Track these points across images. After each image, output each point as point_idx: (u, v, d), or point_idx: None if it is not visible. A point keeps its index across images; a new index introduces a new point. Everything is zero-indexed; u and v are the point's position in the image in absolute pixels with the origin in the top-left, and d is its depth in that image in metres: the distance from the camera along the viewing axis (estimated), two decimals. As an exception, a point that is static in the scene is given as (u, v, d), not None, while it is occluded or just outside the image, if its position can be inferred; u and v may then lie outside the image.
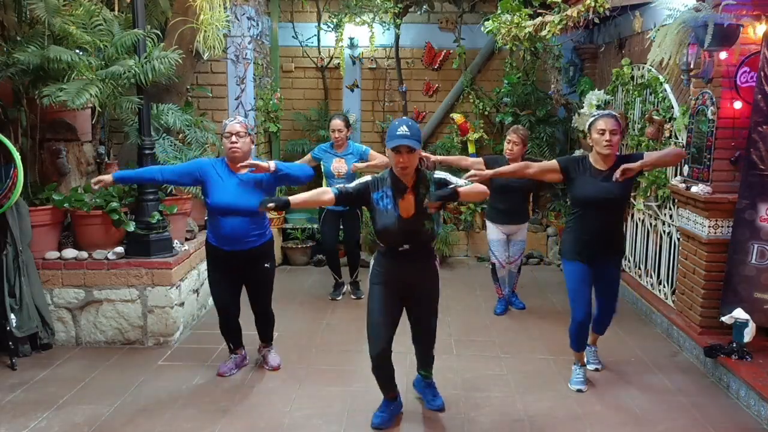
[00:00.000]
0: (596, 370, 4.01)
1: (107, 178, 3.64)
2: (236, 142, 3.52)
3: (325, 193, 3.06)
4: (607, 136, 3.44)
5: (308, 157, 5.39)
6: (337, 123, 5.22)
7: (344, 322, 4.89)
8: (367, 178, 3.12)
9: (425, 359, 3.48)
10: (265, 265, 3.75)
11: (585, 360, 3.91)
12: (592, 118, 3.58)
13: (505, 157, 4.79)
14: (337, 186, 3.16)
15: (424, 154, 3.74)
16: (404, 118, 3.02)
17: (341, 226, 5.46)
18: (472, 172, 3.60)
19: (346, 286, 5.63)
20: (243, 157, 3.54)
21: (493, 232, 5.03)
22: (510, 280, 5.28)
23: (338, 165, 5.20)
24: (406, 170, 2.95)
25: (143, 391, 3.68)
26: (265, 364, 4.01)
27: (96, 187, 3.67)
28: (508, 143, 4.75)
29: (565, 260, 3.73)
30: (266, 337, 4.04)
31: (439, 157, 4.62)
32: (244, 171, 3.57)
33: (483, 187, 3.08)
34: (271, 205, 2.92)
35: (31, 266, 4.15)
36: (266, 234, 3.73)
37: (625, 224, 5.84)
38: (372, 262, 3.24)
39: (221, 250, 3.63)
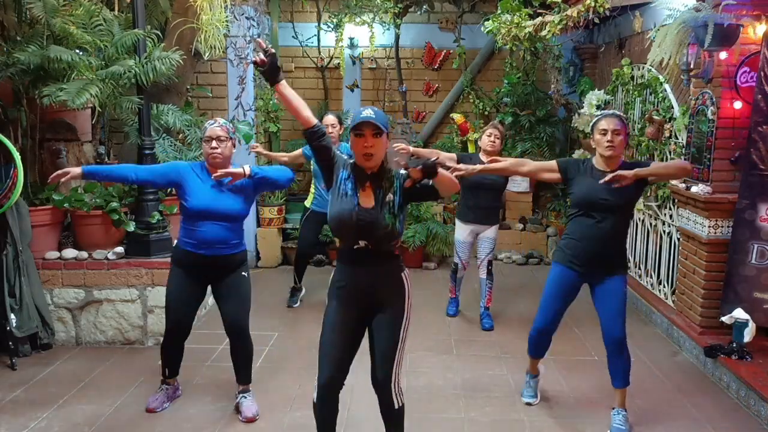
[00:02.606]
0: None
1: (75, 170, 3.25)
2: (217, 148, 3.25)
3: (307, 109, 2.64)
4: (608, 137, 3.21)
5: (299, 152, 5.11)
6: (330, 118, 5.03)
7: (344, 322, 4.89)
8: (343, 155, 2.78)
9: (388, 412, 2.72)
10: (242, 273, 3.42)
11: (539, 370, 3.69)
12: (596, 118, 3.38)
13: (478, 155, 4.69)
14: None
15: (399, 146, 3.48)
16: (370, 106, 2.69)
17: (322, 231, 5.29)
18: (459, 167, 3.28)
19: (303, 292, 5.39)
20: (223, 163, 3.29)
21: (461, 232, 4.83)
22: (482, 292, 4.86)
23: None
24: (371, 158, 2.56)
25: (143, 391, 3.68)
26: (238, 413, 3.43)
27: (63, 180, 3.20)
28: (490, 136, 4.66)
29: (553, 262, 3.48)
30: (243, 375, 3.48)
31: (411, 148, 4.30)
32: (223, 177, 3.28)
33: (455, 180, 2.65)
34: (260, 58, 2.52)
35: (31, 266, 4.15)
36: (242, 244, 3.44)
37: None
38: (331, 277, 2.82)
39: (195, 254, 3.32)
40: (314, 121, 2.63)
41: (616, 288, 3.31)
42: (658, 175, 3.37)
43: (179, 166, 3.38)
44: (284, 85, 2.61)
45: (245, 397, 3.46)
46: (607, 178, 3.11)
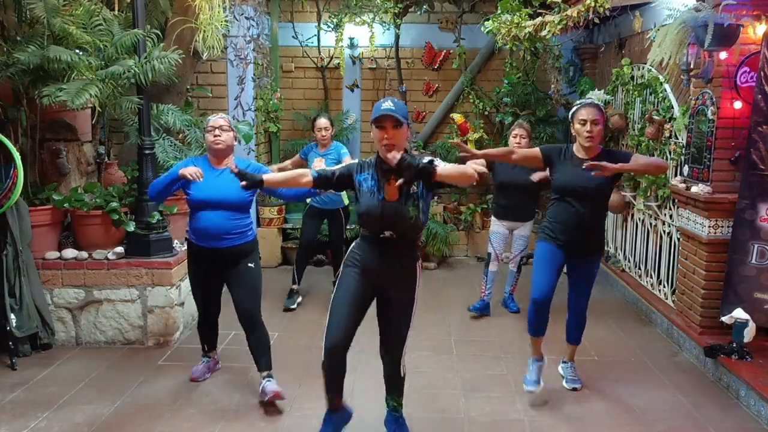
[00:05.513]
0: (574, 389, 3.74)
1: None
2: (219, 135, 3.50)
3: (304, 175, 2.89)
4: (588, 127, 3.35)
5: (297, 157, 5.31)
6: (323, 122, 5.16)
7: (344, 322, 4.89)
8: (354, 161, 2.96)
9: (393, 378, 3.09)
10: (249, 264, 3.55)
11: (542, 352, 3.69)
12: (575, 108, 3.49)
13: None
14: (317, 168, 2.98)
15: (463, 147, 3.51)
16: (390, 97, 2.84)
17: (324, 225, 5.34)
18: (467, 150, 3.47)
19: (300, 298, 5.34)
20: (226, 151, 3.54)
21: (496, 226, 5.06)
22: (509, 280, 5.24)
23: (317, 164, 4.99)
24: (392, 150, 2.65)
25: (143, 391, 3.68)
26: (263, 395, 3.52)
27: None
28: (515, 137, 4.83)
29: (537, 241, 3.67)
30: (263, 364, 3.61)
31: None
32: (225, 166, 3.49)
33: (470, 170, 2.68)
34: (243, 183, 2.80)
35: (31, 266, 4.15)
36: (248, 234, 3.57)
37: (625, 224, 5.85)
38: (351, 246, 2.99)
39: (200, 247, 3.52)
40: (312, 176, 2.85)
41: (591, 267, 3.61)
42: (636, 171, 3.43)
43: (179, 166, 3.51)
44: (269, 180, 2.89)
45: (269, 381, 3.60)
46: (588, 164, 3.21)
